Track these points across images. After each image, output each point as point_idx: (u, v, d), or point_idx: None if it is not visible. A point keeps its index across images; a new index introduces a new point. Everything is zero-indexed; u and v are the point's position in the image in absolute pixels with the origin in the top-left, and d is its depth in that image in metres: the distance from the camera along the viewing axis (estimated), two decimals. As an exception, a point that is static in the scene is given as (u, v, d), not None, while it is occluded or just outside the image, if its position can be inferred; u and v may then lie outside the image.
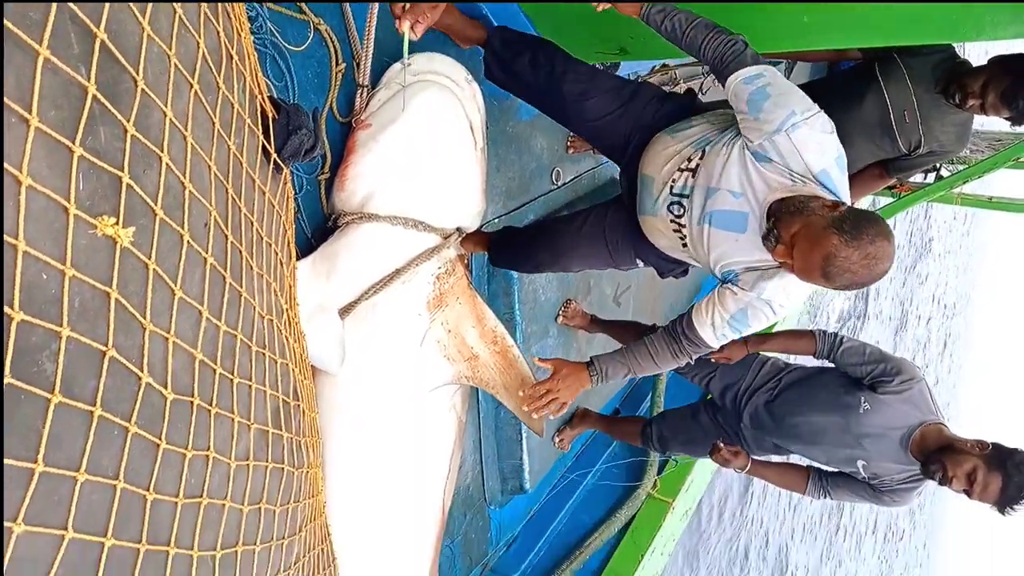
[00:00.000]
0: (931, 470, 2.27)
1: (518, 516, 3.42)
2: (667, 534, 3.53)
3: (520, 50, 2.11)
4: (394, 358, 1.97)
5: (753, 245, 1.75)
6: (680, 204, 1.88)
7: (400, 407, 2.01)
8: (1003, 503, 2.17)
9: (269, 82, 1.79)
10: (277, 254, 1.32)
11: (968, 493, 2.22)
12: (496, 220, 2.78)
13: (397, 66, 1.94)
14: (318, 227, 2.02)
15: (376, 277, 1.88)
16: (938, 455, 2.27)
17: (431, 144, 1.89)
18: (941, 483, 2.26)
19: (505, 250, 2.52)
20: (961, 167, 4.03)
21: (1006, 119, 2.52)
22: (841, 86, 2.79)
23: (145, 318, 0.91)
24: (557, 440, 3.40)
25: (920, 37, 2.31)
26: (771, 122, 1.67)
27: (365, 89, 1.98)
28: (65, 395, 0.81)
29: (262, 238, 1.24)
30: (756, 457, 2.86)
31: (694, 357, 1.98)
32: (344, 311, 1.84)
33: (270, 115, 1.24)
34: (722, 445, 2.92)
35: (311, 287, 1.77)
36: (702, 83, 4.02)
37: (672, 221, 1.92)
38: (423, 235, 1.93)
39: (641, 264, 2.30)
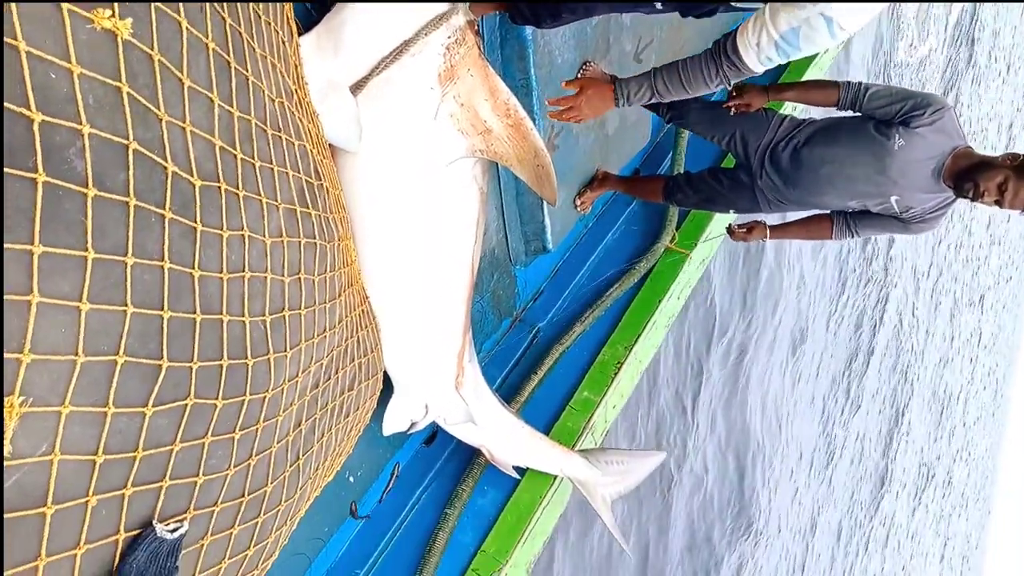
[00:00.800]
0: (964, 188, 2.35)
1: (543, 274, 3.62)
2: (683, 281, 3.74)
3: None
4: (409, 133, 1.98)
5: None
6: None
7: (420, 181, 2.07)
8: None
9: None
10: (278, 32, 1.30)
11: (999, 203, 2.31)
12: (507, -27, 2.59)
13: None
14: (317, -5, 1.93)
15: (385, 50, 1.83)
16: (969, 174, 2.34)
17: None
18: (973, 199, 2.35)
19: (523, 2, 2.40)
20: None
21: None
22: None
23: (160, 110, 0.94)
24: (579, 202, 3.48)
25: None
26: None
27: None
28: (99, 189, 0.87)
29: (260, 16, 1.21)
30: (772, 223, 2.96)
31: (731, 82, 1.91)
32: (356, 88, 1.82)
33: None
34: (735, 227, 3.03)
35: (318, 63, 1.74)
36: None
37: None
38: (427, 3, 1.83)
39: (660, 6, 2.17)
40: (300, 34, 1.61)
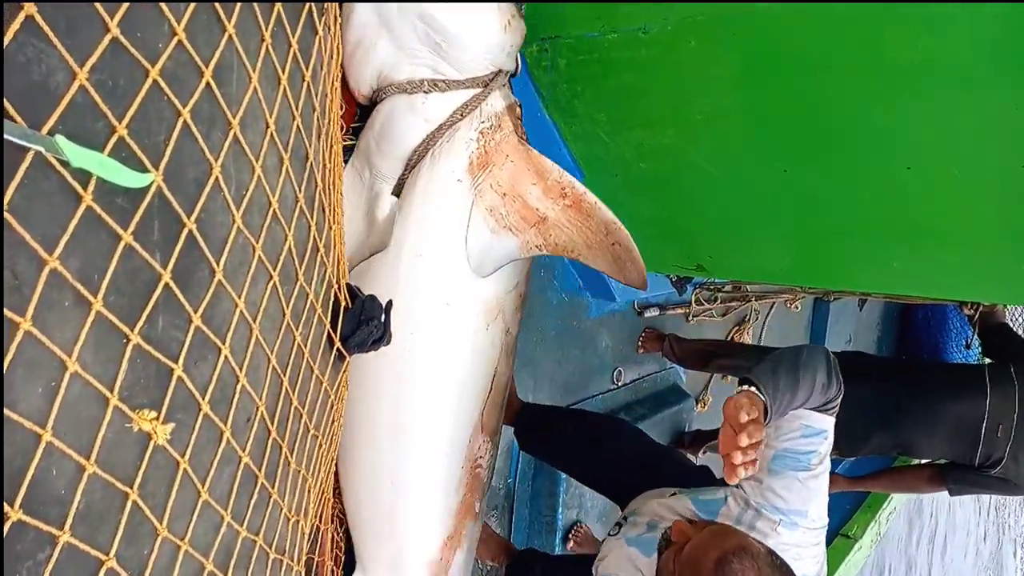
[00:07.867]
0: None
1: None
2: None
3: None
4: (441, 238, 1.69)
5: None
6: (619, 524, 1.80)
7: (442, 307, 1.72)
8: None
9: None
10: (321, 446, 1.23)
11: None
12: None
13: None
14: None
15: (415, 141, 1.66)
16: None
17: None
18: None
19: (531, 434, 2.35)
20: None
21: None
22: (945, 374, 2.77)
23: (162, 523, 0.81)
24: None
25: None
26: (777, 497, 1.44)
27: None
28: (37, 612, 0.70)
29: (308, 430, 1.15)
30: None
31: None
32: (395, 190, 1.69)
33: (343, 304, 1.20)
34: None
35: (358, 185, 1.71)
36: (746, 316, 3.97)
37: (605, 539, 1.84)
38: (452, 94, 1.65)
39: None
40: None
